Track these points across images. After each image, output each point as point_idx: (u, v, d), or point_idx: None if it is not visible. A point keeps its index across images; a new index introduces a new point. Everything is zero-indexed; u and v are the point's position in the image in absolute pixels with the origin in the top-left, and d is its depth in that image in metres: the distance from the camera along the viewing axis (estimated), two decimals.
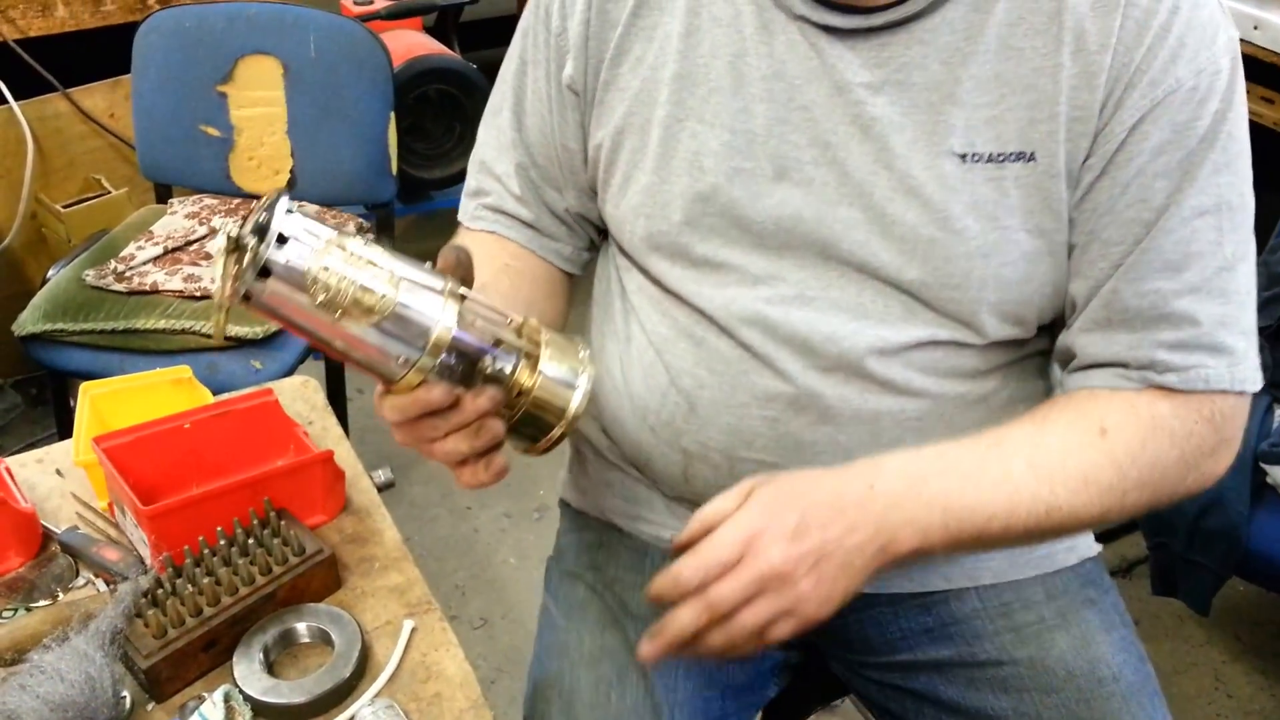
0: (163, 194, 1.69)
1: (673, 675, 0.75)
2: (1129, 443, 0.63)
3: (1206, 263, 0.62)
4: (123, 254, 1.50)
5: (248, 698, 0.66)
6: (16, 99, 1.73)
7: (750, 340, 0.69)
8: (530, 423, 0.58)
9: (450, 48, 2.23)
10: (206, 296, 1.41)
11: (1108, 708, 0.71)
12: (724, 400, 0.70)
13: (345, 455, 0.85)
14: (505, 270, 0.75)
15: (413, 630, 0.72)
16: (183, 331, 1.38)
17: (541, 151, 0.75)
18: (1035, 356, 0.73)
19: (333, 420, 0.91)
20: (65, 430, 1.47)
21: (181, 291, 1.43)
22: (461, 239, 0.79)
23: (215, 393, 0.88)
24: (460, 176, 0.83)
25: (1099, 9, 0.59)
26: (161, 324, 1.39)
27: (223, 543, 0.72)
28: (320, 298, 0.51)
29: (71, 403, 1.40)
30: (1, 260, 1.82)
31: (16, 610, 0.73)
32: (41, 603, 0.74)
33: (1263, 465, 1.15)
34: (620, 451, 0.80)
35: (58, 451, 0.87)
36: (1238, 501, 1.12)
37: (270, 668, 0.69)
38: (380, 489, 0.85)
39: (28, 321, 1.41)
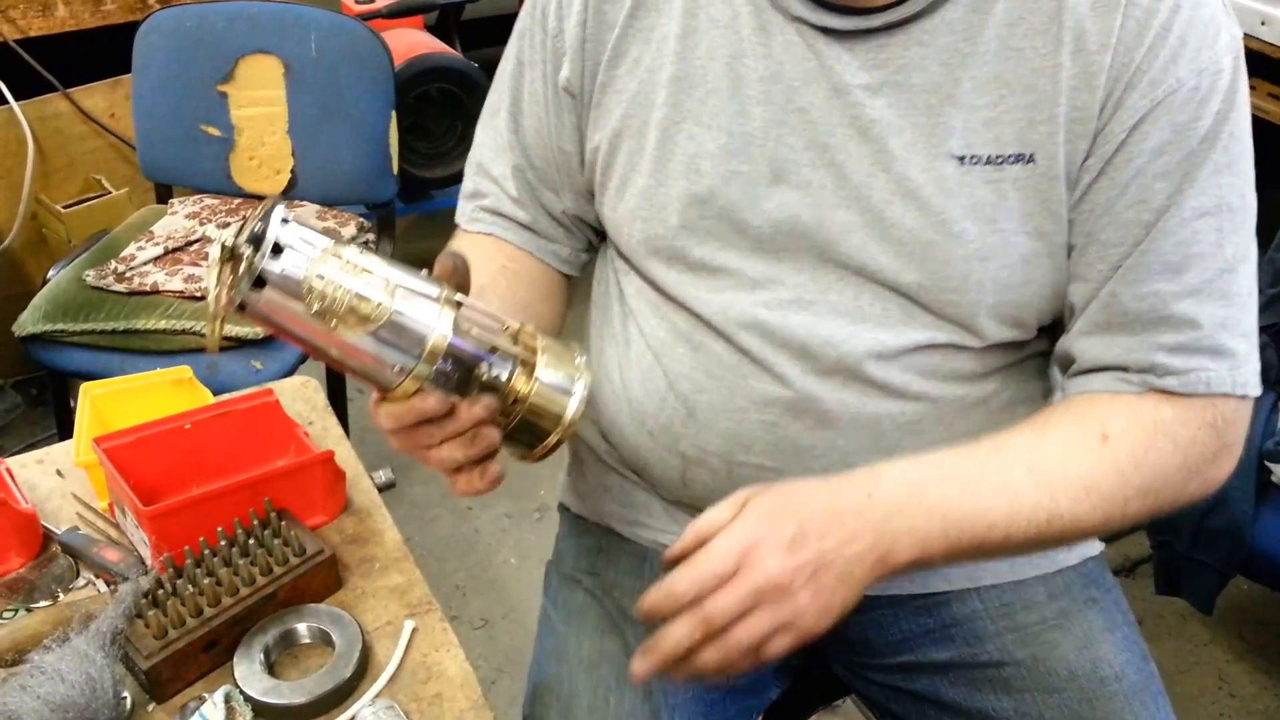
0: (163, 194, 1.69)
1: None
2: (1132, 449, 0.62)
3: (1207, 264, 0.61)
4: (123, 254, 1.50)
5: (248, 698, 0.66)
6: (17, 99, 1.73)
7: (748, 345, 0.68)
8: (526, 429, 0.58)
9: (451, 46, 2.23)
10: (206, 297, 1.41)
11: (1110, 707, 0.71)
12: (722, 405, 0.70)
13: (346, 455, 0.85)
14: (502, 272, 0.75)
15: (413, 631, 0.72)
16: (183, 332, 1.38)
17: (538, 153, 0.75)
18: (1035, 358, 0.73)
19: (333, 420, 0.91)
20: (66, 431, 1.47)
21: (182, 292, 1.43)
22: (459, 241, 0.78)
23: (216, 393, 0.88)
24: (462, 176, 0.82)
25: (1099, 9, 0.59)
26: (162, 324, 1.39)
27: (223, 543, 0.72)
28: (315, 306, 0.51)
29: (72, 403, 1.40)
30: (2, 260, 1.82)
31: (17, 611, 0.73)
32: (42, 603, 0.74)
33: (1267, 464, 1.15)
34: (619, 455, 0.80)
35: (58, 452, 0.87)
36: (1242, 500, 1.12)
37: (271, 668, 0.69)
38: (381, 489, 0.85)
39: (28, 322, 1.41)
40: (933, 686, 0.77)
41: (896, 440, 0.68)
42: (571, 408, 0.57)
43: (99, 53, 1.80)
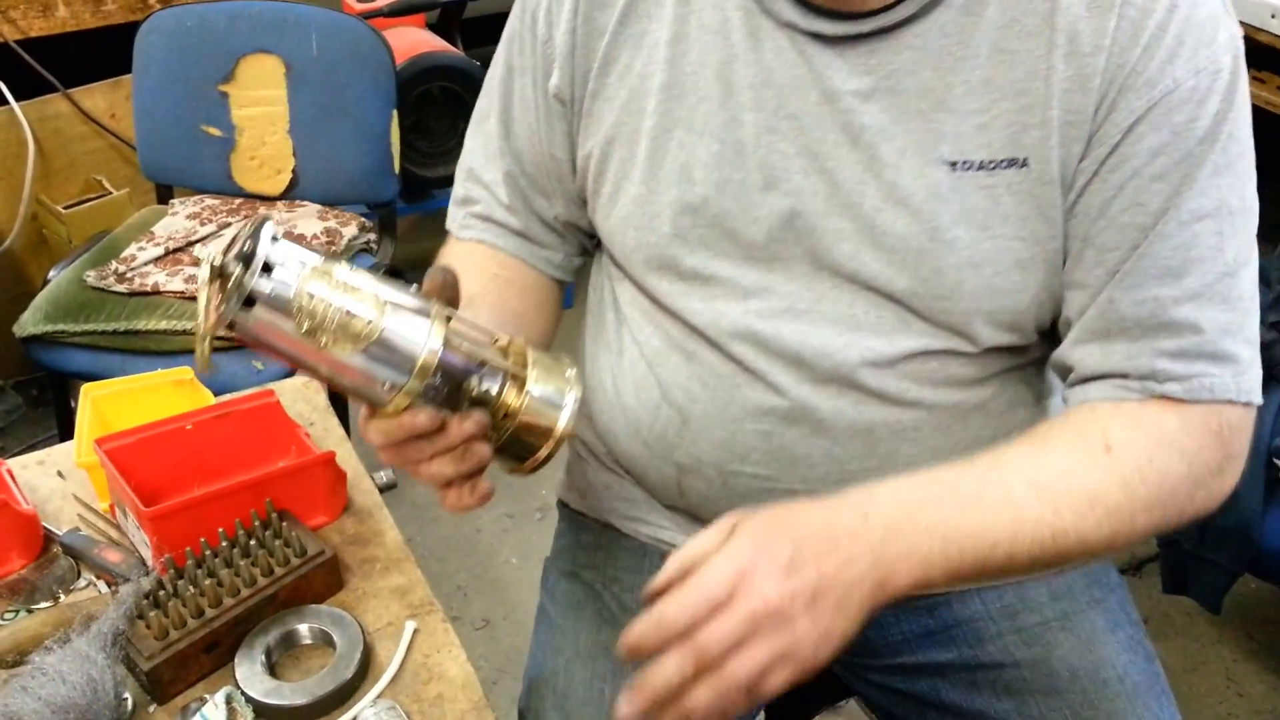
0: (164, 194, 1.69)
1: None
2: (1136, 459, 0.59)
3: (1207, 268, 0.59)
4: (124, 255, 1.49)
5: (249, 699, 0.66)
6: (17, 99, 1.73)
7: (742, 355, 0.68)
8: (518, 443, 0.58)
9: (453, 45, 2.23)
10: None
11: (1113, 709, 0.71)
12: (716, 414, 0.69)
13: (347, 456, 0.85)
14: (494, 280, 0.74)
15: (415, 631, 0.72)
16: (184, 332, 1.38)
17: (530, 159, 0.74)
18: (1036, 362, 0.72)
19: (334, 421, 0.91)
20: (66, 432, 1.47)
21: (183, 292, 1.43)
22: (450, 247, 0.78)
23: (217, 394, 0.88)
24: None
25: (1094, 10, 0.58)
26: (163, 325, 1.39)
27: (224, 544, 0.72)
28: (306, 325, 0.51)
29: (72, 404, 1.39)
30: (2, 261, 1.82)
31: (18, 612, 0.73)
32: (43, 604, 0.74)
33: (1276, 461, 1.14)
34: (616, 458, 0.80)
35: (59, 453, 0.87)
36: (1250, 498, 1.11)
37: (272, 669, 0.69)
38: (382, 490, 0.85)
39: (29, 323, 1.41)
40: (933, 688, 0.76)
41: (893, 448, 0.68)
42: (562, 421, 0.57)
43: (99, 53, 1.80)
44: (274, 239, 0.51)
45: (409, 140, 2.01)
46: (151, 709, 0.67)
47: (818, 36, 0.62)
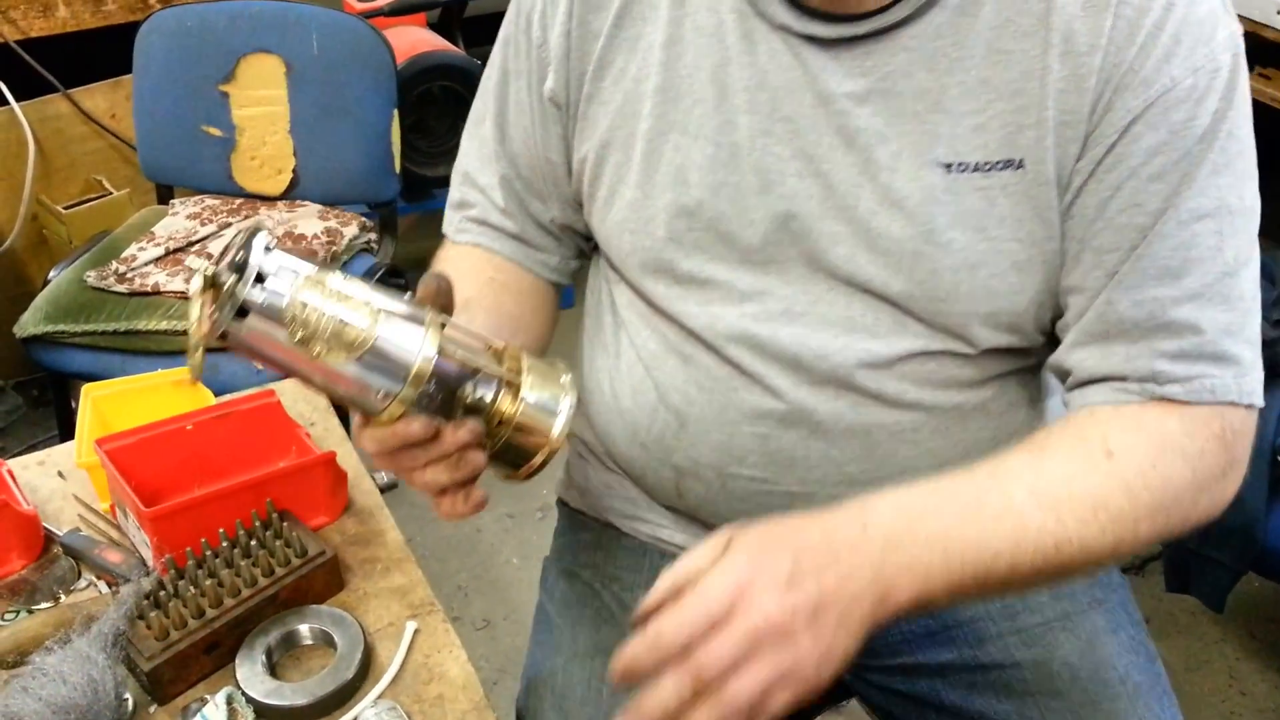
0: (164, 195, 1.69)
1: None
2: (1139, 464, 0.58)
3: (1207, 268, 0.59)
4: (124, 255, 1.49)
5: (250, 700, 0.66)
6: (17, 100, 1.74)
7: (738, 358, 0.68)
8: (513, 450, 0.58)
9: (454, 44, 2.23)
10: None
11: (1114, 710, 0.70)
12: (713, 417, 0.69)
13: (347, 456, 0.85)
14: (490, 284, 0.74)
15: (415, 632, 0.72)
16: (184, 333, 1.37)
17: (525, 163, 0.74)
18: (1038, 363, 0.71)
19: (335, 421, 0.91)
20: (67, 432, 1.47)
21: (183, 292, 1.43)
22: (447, 252, 0.78)
23: (217, 394, 0.88)
24: None
25: (1089, 9, 0.57)
26: (163, 325, 1.39)
27: (225, 544, 0.72)
28: (299, 334, 0.50)
29: (73, 404, 1.39)
30: (2, 262, 1.82)
31: (18, 612, 0.73)
32: (43, 605, 0.74)
33: None
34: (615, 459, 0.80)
35: (59, 453, 0.87)
36: (1254, 496, 1.11)
37: (273, 670, 0.69)
38: (383, 490, 0.85)
39: (29, 323, 1.41)
40: (933, 689, 0.76)
41: (892, 450, 0.67)
42: (557, 428, 0.57)
43: (100, 53, 1.80)
44: (267, 248, 0.51)
45: (410, 139, 2.01)
46: (152, 709, 0.67)
47: (812, 39, 0.61)
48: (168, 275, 1.45)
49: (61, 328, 1.39)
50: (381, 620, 0.73)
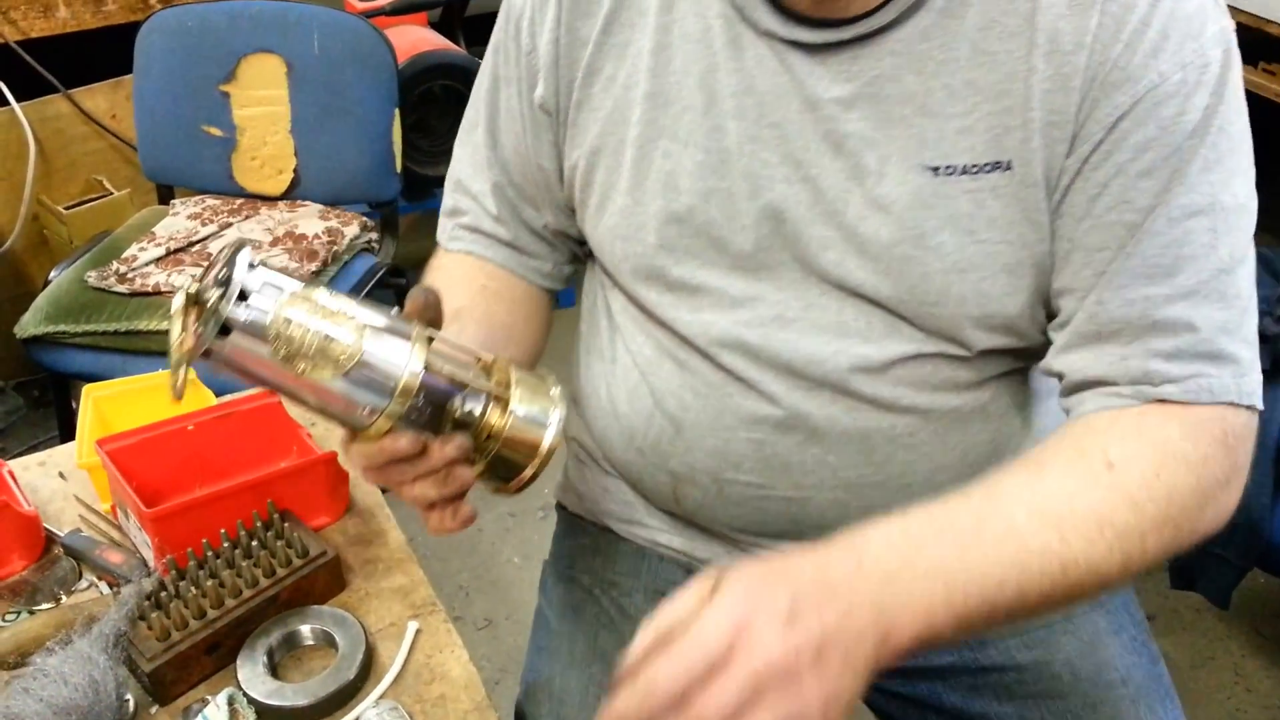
0: (165, 195, 1.69)
1: None
2: (1141, 474, 0.56)
3: (1201, 265, 0.57)
4: (125, 255, 1.49)
5: (252, 700, 0.66)
6: (18, 100, 1.74)
7: (731, 364, 0.67)
8: (502, 463, 0.57)
9: (455, 43, 2.23)
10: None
11: (1116, 712, 0.70)
12: (709, 423, 0.69)
13: None
14: (482, 292, 0.74)
15: (417, 632, 0.72)
16: None
17: (517, 170, 0.74)
18: (1038, 363, 0.70)
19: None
20: (68, 433, 1.46)
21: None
22: (440, 259, 0.78)
23: (218, 394, 0.88)
24: None
25: (1075, 7, 0.56)
26: (164, 325, 1.38)
27: (226, 545, 0.72)
28: (283, 351, 0.50)
29: (74, 405, 1.39)
30: (3, 262, 1.82)
31: (19, 613, 0.73)
32: (44, 606, 0.73)
33: None
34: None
35: (60, 454, 0.87)
36: (1259, 492, 1.10)
37: (274, 670, 0.68)
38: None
39: (29, 323, 1.41)
40: (933, 691, 0.76)
41: (889, 454, 0.67)
42: (547, 440, 0.57)
43: (100, 53, 1.80)
44: (251, 265, 0.50)
45: (411, 139, 2.01)
46: (153, 710, 0.66)
47: (798, 45, 0.61)
48: (169, 275, 1.45)
49: (62, 328, 1.39)
50: (383, 620, 0.73)
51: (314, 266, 1.49)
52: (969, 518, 0.54)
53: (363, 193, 1.64)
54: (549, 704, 0.73)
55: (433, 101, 2.10)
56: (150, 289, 1.43)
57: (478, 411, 0.56)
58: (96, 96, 1.85)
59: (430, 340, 0.54)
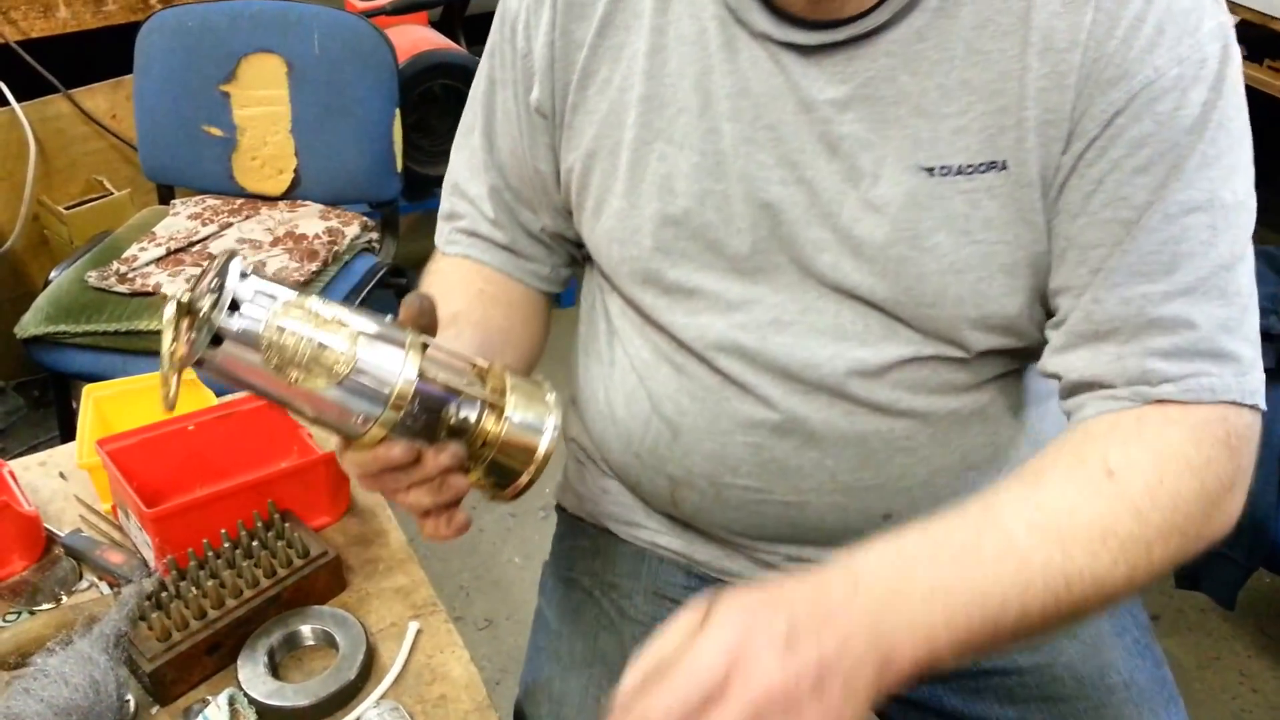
0: (165, 195, 1.69)
1: None
2: (1144, 480, 0.54)
3: (1200, 262, 0.56)
4: (125, 255, 1.49)
5: (252, 701, 0.66)
6: (18, 100, 1.74)
7: (728, 368, 0.67)
8: (498, 470, 0.57)
9: (456, 42, 2.23)
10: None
11: (1119, 716, 0.70)
12: (706, 427, 0.68)
13: None
14: (480, 296, 0.73)
15: (418, 632, 0.72)
16: None
17: (514, 173, 0.74)
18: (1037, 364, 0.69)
19: None
20: (68, 433, 1.47)
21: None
22: (437, 263, 0.77)
23: (218, 394, 0.88)
24: None
25: (1069, 5, 0.55)
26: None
27: (227, 545, 0.72)
28: (275, 360, 0.50)
29: (74, 405, 1.39)
30: (3, 262, 1.82)
31: (20, 614, 0.73)
32: (45, 606, 0.73)
33: None
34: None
35: (61, 454, 0.87)
36: (1265, 492, 1.10)
37: (275, 670, 0.68)
38: None
39: (30, 323, 1.40)
40: (933, 694, 0.75)
41: (887, 458, 0.67)
42: (542, 446, 0.56)
43: (100, 53, 1.80)
44: (243, 275, 0.50)
45: (411, 138, 2.01)
46: (154, 710, 0.66)
47: (793, 46, 0.60)
48: (169, 275, 1.45)
49: (62, 328, 1.39)
50: (384, 620, 0.73)
51: (314, 266, 1.48)
52: (966, 535, 0.53)
53: (363, 193, 1.63)
54: (548, 705, 0.73)
55: (433, 101, 2.09)
56: (151, 289, 1.43)
57: (473, 418, 0.56)
58: (97, 96, 1.84)
59: (424, 347, 0.54)
